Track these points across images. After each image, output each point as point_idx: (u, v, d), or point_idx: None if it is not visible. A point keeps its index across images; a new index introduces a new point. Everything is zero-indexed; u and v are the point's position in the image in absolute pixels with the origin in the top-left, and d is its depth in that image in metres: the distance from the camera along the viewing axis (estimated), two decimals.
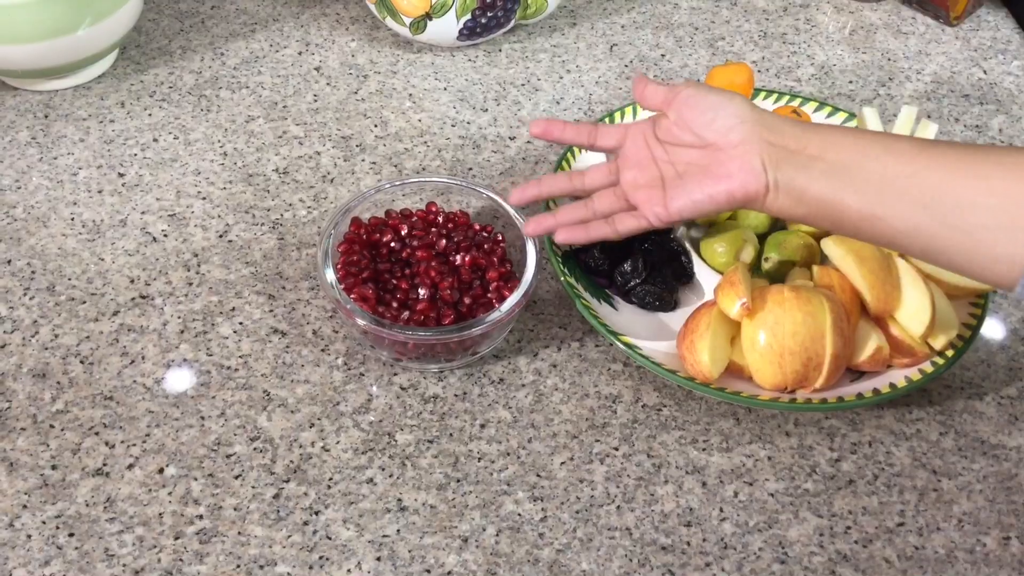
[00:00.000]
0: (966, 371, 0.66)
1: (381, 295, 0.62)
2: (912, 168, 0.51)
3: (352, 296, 0.61)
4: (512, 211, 0.66)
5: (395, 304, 0.61)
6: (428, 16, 0.81)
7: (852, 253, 0.62)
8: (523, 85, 0.84)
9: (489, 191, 0.67)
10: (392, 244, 0.65)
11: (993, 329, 0.68)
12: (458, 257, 0.64)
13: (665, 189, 0.57)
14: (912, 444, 0.62)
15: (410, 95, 0.83)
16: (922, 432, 0.62)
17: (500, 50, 0.87)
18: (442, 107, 0.82)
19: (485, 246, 0.65)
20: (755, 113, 0.55)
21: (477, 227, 0.67)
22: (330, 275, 0.61)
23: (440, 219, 0.67)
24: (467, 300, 0.62)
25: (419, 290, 0.62)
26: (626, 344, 0.62)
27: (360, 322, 0.60)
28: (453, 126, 0.80)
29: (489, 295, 0.63)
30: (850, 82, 0.87)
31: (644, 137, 0.59)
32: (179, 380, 0.62)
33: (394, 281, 0.63)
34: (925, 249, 0.52)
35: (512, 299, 0.61)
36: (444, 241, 0.65)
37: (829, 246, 0.63)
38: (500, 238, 0.66)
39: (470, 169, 0.77)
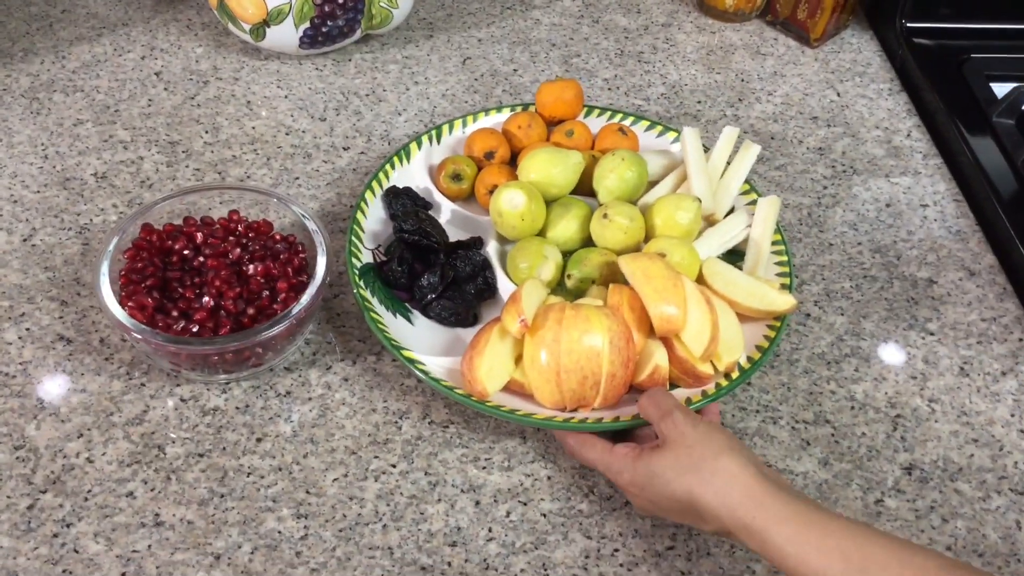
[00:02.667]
0: (765, 394, 0.65)
1: (163, 304, 0.61)
2: None
3: (129, 305, 0.60)
4: (313, 225, 0.65)
5: (175, 313, 0.61)
6: (266, 23, 0.80)
7: (640, 271, 0.61)
8: (367, 95, 0.84)
9: (296, 204, 0.66)
10: (185, 252, 0.64)
11: (798, 352, 0.68)
12: (251, 267, 0.63)
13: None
14: None
15: (248, 102, 0.82)
16: None
17: (350, 60, 0.87)
18: (279, 115, 0.81)
19: (282, 256, 0.64)
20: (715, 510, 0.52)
21: (278, 237, 0.66)
22: (104, 282, 0.60)
23: (240, 228, 0.66)
24: (251, 311, 0.61)
25: (203, 299, 0.61)
26: (408, 359, 0.61)
27: (134, 333, 0.59)
28: (287, 134, 0.79)
29: (276, 306, 0.62)
30: (698, 102, 0.86)
31: None
32: None
33: (180, 290, 0.62)
34: None
35: (292, 310, 0.60)
36: (238, 250, 0.64)
37: (623, 263, 0.63)
38: (300, 249, 0.66)
39: (297, 179, 0.76)
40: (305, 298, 0.61)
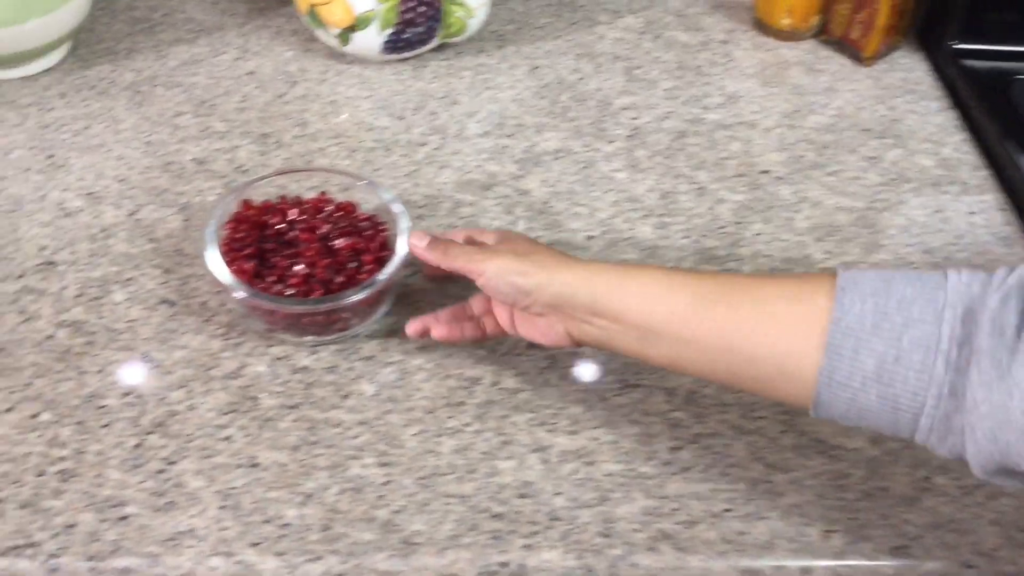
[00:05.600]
0: None
1: (260, 271, 0.66)
2: (693, 334, 0.54)
3: (232, 269, 0.65)
4: (398, 207, 0.70)
5: (272, 279, 0.66)
6: (353, 28, 0.86)
7: None
8: (442, 98, 0.90)
9: (382, 189, 0.72)
10: (279, 226, 0.69)
11: None
12: (339, 241, 0.68)
13: (515, 318, 0.63)
14: (752, 439, 0.65)
15: (333, 101, 0.88)
16: (763, 429, 0.65)
17: (427, 66, 0.93)
18: (362, 113, 0.87)
19: (367, 233, 0.70)
20: (550, 293, 0.58)
21: (363, 216, 0.71)
22: (211, 249, 0.66)
23: (329, 208, 0.71)
24: (340, 279, 0.66)
25: (295, 267, 0.66)
26: None
27: (235, 294, 0.64)
28: (369, 130, 0.85)
29: (362, 276, 0.67)
30: (755, 112, 0.91)
31: None
32: (67, 338, 0.67)
33: (275, 259, 0.67)
34: (721, 385, 0.58)
35: (377, 279, 0.65)
36: (328, 226, 0.69)
37: None
38: (383, 228, 0.71)
39: (377, 169, 0.82)
40: (389, 268, 0.66)
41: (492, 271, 0.59)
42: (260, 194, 0.71)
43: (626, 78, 0.94)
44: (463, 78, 0.92)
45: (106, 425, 0.62)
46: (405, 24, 0.87)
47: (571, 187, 0.82)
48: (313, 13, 0.87)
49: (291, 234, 0.69)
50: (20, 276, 0.71)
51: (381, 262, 0.68)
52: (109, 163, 0.80)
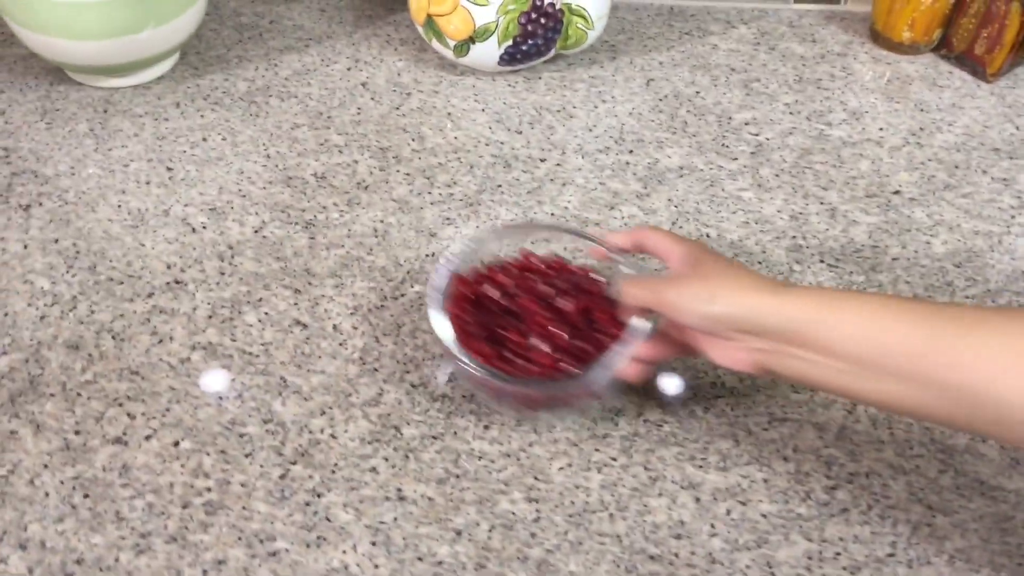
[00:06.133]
0: None
1: (498, 351, 0.61)
2: (921, 370, 0.49)
3: (478, 359, 0.60)
4: (626, 267, 0.64)
5: (515, 358, 0.60)
6: (471, 40, 0.84)
7: None
8: (558, 111, 0.87)
9: (586, 238, 0.66)
10: (497, 298, 0.63)
11: None
12: (565, 302, 0.63)
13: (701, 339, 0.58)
14: (910, 479, 0.62)
15: (449, 114, 0.86)
16: (921, 468, 0.63)
17: (540, 77, 0.91)
18: (478, 127, 0.85)
19: (586, 287, 0.64)
20: (737, 319, 0.54)
21: (575, 270, 0.65)
22: (446, 333, 0.61)
23: (540, 266, 0.65)
24: (582, 344, 0.61)
25: (531, 340, 0.61)
26: None
27: (493, 384, 0.59)
28: (487, 145, 0.83)
29: (599, 335, 0.62)
30: (880, 129, 0.88)
31: None
32: (202, 361, 0.65)
33: (502, 331, 0.62)
34: (932, 423, 0.51)
35: (644, 325, 0.60)
36: (547, 288, 0.64)
37: None
38: (599, 279, 0.65)
39: (499, 186, 0.80)
40: (644, 323, 0.60)
41: (675, 300, 0.56)
42: (460, 261, 0.65)
43: (744, 91, 0.91)
44: (577, 91, 0.90)
45: (249, 454, 0.61)
46: (525, 36, 0.84)
47: (697, 206, 0.80)
48: (431, 23, 0.85)
49: (510, 303, 0.63)
50: (150, 295, 0.69)
51: (614, 317, 0.62)
52: (230, 177, 0.79)
